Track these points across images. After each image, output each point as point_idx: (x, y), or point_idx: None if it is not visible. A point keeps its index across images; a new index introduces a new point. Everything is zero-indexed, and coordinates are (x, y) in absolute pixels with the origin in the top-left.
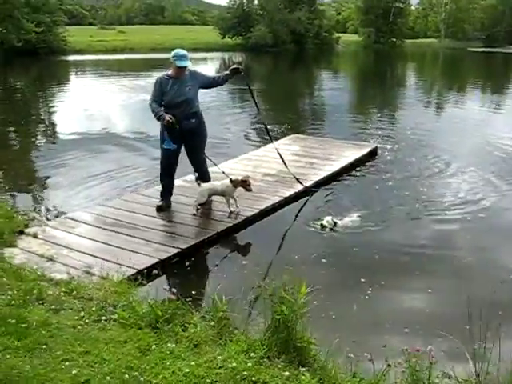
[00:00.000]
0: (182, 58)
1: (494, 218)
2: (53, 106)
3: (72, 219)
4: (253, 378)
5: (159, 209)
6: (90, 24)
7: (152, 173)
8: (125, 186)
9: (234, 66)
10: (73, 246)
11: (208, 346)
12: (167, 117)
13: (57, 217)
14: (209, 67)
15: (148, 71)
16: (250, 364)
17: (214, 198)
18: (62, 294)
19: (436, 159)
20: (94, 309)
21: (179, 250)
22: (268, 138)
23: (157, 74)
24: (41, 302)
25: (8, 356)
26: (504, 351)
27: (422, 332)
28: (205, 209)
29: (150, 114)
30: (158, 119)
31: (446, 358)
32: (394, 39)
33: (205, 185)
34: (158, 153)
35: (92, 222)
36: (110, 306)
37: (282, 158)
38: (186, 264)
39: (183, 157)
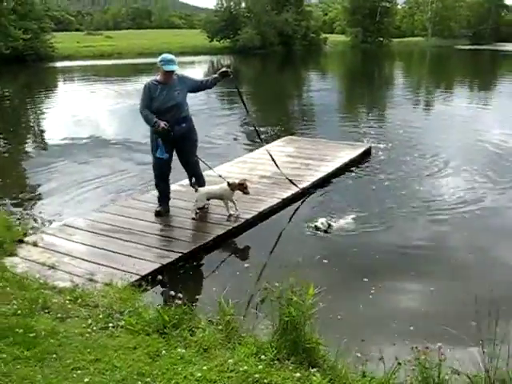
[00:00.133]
0: (169, 62)
1: (490, 215)
2: (42, 113)
3: (70, 226)
4: (265, 381)
5: (158, 214)
6: (77, 30)
7: (144, 177)
8: (118, 191)
9: (223, 69)
10: (73, 254)
11: (217, 349)
12: (162, 124)
13: (54, 224)
14: (197, 71)
15: (136, 76)
16: (260, 367)
17: (212, 201)
18: (67, 302)
19: (429, 157)
20: (100, 316)
21: (181, 254)
22: (260, 140)
23: (145, 79)
24: (46, 310)
25: (18, 366)
26: None
27: (428, 330)
28: (203, 212)
29: (138, 120)
30: (153, 126)
31: (454, 354)
32: (381, 38)
33: (203, 188)
34: (148, 157)
35: (90, 229)
36: (117, 313)
37: (273, 160)
38: (188, 268)
39: (177, 161)
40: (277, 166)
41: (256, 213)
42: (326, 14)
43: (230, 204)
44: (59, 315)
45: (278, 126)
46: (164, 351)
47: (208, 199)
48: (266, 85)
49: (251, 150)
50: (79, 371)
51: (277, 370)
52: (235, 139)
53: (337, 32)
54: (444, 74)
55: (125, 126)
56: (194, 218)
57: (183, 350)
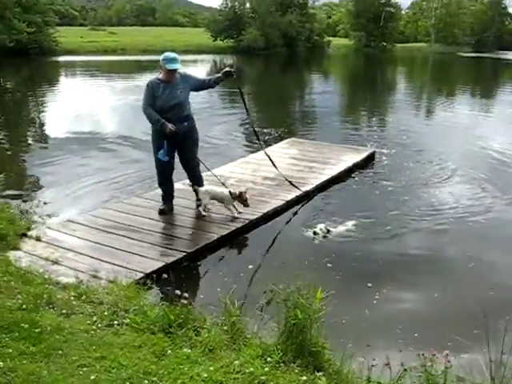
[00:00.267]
0: (172, 60)
1: (495, 224)
2: (44, 107)
3: (74, 222)
4: (271, 383)
5: (162, 212)
6: (81, 25)
7: (146, 175)
8: (120, 187)
9: (227, 69)
10: (77, 249)
11: (223, 350)
12: (170, 126)
13: (57, 219)
14: (200, 69)
15: (139, 73)
16: (266, 369)
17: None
18: (71, 298)
19: (433, 164)
20: (105, 313)
21: (185, 253)
22: (258, 141)
23: (148, 76)
24: (51, 306)
25: (24, 362)
26: None
27: (433, 337)
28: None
29: (140, 116)
30: (160, 127)
31: (459, 362)
32: (385, 43)
33: (205, 187)
34: (149, 154)
35: (94, 225)
36: (122, 311)
37: (272, 162)
38: (193, 268)
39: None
40: (275, 167)
41: (260, 214)
42: (330, 17)
43: (230, 206)
44: (64, 311)
45: (282, 128)
46: (170, 351)
47: (210, 199)
48: (269, 85)
49: (254, 151)
50: (85, 368)
51: (283, 372)
52: (236, 139)
53: (340, 35)
54: (446, 81)
55: (127, 123)
56: (204, 216)
57: (189, 350)
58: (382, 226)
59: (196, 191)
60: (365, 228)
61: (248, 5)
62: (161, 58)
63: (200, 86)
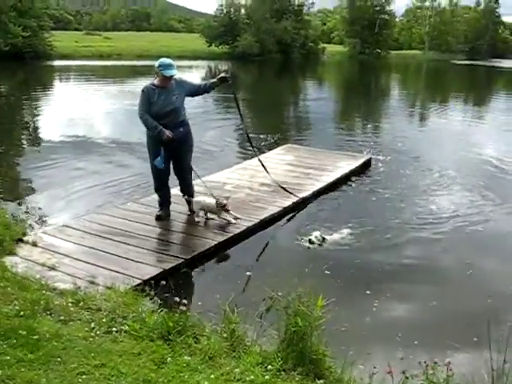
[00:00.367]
0: (168, 67)
1: (493, 232)
2: (38, 111)
3: (70, 227)
4: None
5: (158, 218)
6: (76, 29)
7: (141, 179)
8: (116, 192)
9: (222, 75)
10: (74, 255)
11: (223, 358)
12: (167, 132)
13: (53, 225)
14: (195, 75)
15: (134, 78)
16: (267, 377)
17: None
18: (69, 304)
19: (429, 171)
20: (104, 320)
21: (183, 260)
22: (252, 148)
23: (143, 81)
24: (48, 312)
25: (22, 369)
26: None
27: (432, 344)
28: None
29: (134, 121)
30: (157, 134)
31: (460, 370)
32: (379, 50)
33: (196, 198)
34: (144, 158)
35: (90, 230)
36: (120, 317)
37: (265, 169)
38: (190, 274)
39: None
40: (268, 174)
41: (257, 220)
42: (325, 24)
43: (223, 215)
44: (62, 318)
45: (277, 134)
46: (169, 358)
47: (200, 209)
48: (264, 92)
49: (249, 157)
50: (84, 376)
51: (283, 380)
52: (231, 145)
53: (335, 42)
54: (440, 88)
55: (121, 127)
56: (198, 222)
57: (189, 358)
58: (379, 234)
59: (188, 202)
60: (363, 235)
61: (243, 11)
62: (156, 63)
63: (195, 91)
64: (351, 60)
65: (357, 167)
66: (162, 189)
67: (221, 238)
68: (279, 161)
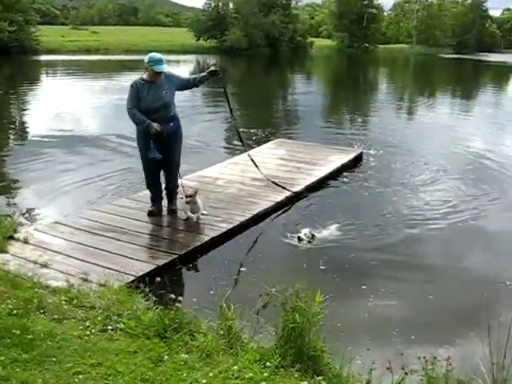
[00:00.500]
0: (158, 62)
1: (484, 223)
2: (25, 107)
3: (61, 224)
4: None
5: (151, 214)
6: (62, 24)
7: (131, 174)
8: (105, 187)
9: (212, 68)
10: (66, 252)
11: (220, 355)
12: (155, 125)
13: (44, 221)
14: (183, 70)
15: (122, 72)
16: (266, 374)
17: (207, 203)
18: (62, 302)
19: (421, 165)
20: (98, 318)
21: (176, 255)
22: (242, 144)
23: (131, 76)
24: (42, 311)
25: (17, 369)
26: None
27: (429, 338)
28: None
29: (123, 116)
30: (146, 128)
31: (459, 364)
32: (367, 44)
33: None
34: (133, 154)
35: (82, 227)
36: (115, 315)
37: (256, 165)
38: (184, 270)
39: None
40: (259, 170)
41: (250, 215)
42: (313, 18)
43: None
44: (56, 316)
45: (267, 128)
46: (166, 356)
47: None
48: (252, 86)
49: (240, 151)
50: (81, 376)
51: (282, 377)
52: (221, 139)
53: (323, 36)
54: (428, 82)
55: (110, 122)
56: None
57: (186, 356)
58: (372, 229)
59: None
60: (356, 231)
61: (231, 5)
62: (146, 58)
63: (185, 85)
64: (339, 54)
65: (348, 161)
66: (153, 185)
67: (214, 234)
68: (270, 155)
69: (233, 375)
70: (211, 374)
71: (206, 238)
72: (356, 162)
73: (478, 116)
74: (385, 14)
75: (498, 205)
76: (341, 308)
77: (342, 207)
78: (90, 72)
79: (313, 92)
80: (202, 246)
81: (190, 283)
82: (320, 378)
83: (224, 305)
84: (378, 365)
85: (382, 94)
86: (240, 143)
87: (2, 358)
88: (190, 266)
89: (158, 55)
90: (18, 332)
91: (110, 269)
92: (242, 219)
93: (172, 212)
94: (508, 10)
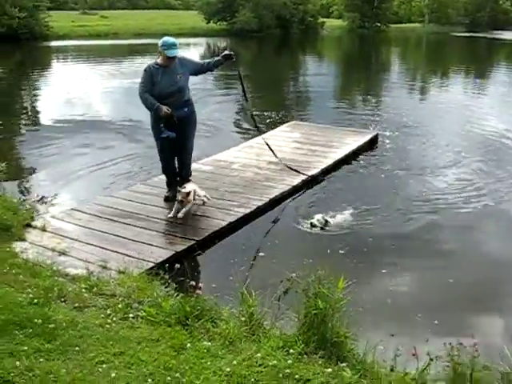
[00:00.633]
0: (171, 46)
1: (505, 207)
2: (36, 93)
3: (78, 210)
4: (296, 376)
5: (167, 199)
6: (72, 9)
7: (143, 160)
8: (120, 174)
9: (226, 52)
10: (84, 239)
11: (243, 342)
12: (165, 108)
13: (61, 208)
14: (193, 53)
15: (132, 57)
16: (290, 361)
17: (224, 187)
18: (82, 290)
19: (437, 147)
20: (119, 306)
21: (194, 241)
22: (257, 129)
23: (140, 60)
24: (63, 299)
25: (41, 360)
26: None
27: (452, 324)
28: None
29: (135, 100)
30: (155, 110)
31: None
32: (379, 24)
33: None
34: (143, 139)
35: (99, 214)
36: (135, 303)
37: (271, 149)
38: (203, 256)
39: None
40: (274, 155)
41: (267, 199)
42: None
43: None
44: (76, 305)
45: (281, 111)
46: (189, 344)
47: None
48: (263, 68)
49: (254, 135)
50: (104, 365)
51: (306, 364)
52: (235, 123)
53: (333, 16)
54: (441, 61)
55: (122, 106)
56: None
57: (208, 343)
58: (392, 213)
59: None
60: (374, 214)
61: None
62: (159, 42)
63: (199, 69)
64: (350, 34)
65: (364, 143)
66: (168, 169)
67: (231, 219)
68: (285, 138)
69: (256, 362)
70: (235, 362)
71: (224, 223)
72: (372, 144)
73: (492, 95)
74: None
75: None
76: (362, 293)
77: (359, 191)
78: (100, 57)
79: (325, 73)
80: (220, 231)
81: (208, 269)
82: (344, 364)
83: (245, 291)
84: (403, 351)
85: (395, 74)
86: (254, 127)
87: (25, 348)
88: (208, 251)
89: (171, 39)
90: (40, 321)
91: (128, 256)
92: (259, 204)
93: None
94: None
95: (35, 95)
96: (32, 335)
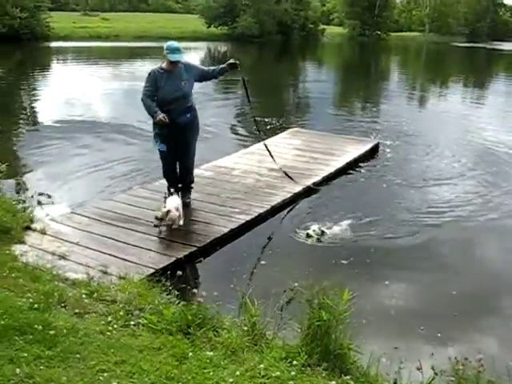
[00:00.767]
0: (175, 51)
1: (506, 218)
2: (36, 93)
3: (78, 214)
4: None
5: None
6: (73, 10)
7: (144, 164)
8: (119, 175)
9: (231, 61)
10: (83, 243)
11: (245, 352)
12: (161, 115)
13: (61, 211)
14: (193, 57)
15: (132, 59)
16: (293, 373)
17: (225, 193)
18: (83, 296)
19: (438, 157)
20: (121, 313)
21: (196, 248)
22: (260, 134)
23: (141, 63)
24: (63, 305)
25: (41, 367)
26: None
27: (456, 336)
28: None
29: (134, 103)
30: (152, 116)
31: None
32: (379, 32)
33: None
34: (145, 142)
35: (99, 217)
36: (136, 310)
37: (272, 156)
38: (204, 263)
39: None
40: (275, 161)
41: (269, 207)
42: (324, 5)
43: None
44: (77, 311)
45: (282, 118)
46: (190, 353)
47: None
48: (264, 74)
49: (255, 141)
50: (105, 373)
51: (309, 376)
52: (235, 129)
53: (334, 24)
54: (441, 71)
55: (121, 109)
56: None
57: (210, 353)
58: (393, 224)
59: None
60: (376, 225)
61: None
62: (164, 46)
63: (204, 76)
64: (351, 42)
65: (365, 152)
66: (169, 174)
67: (233, 225)
68: (286, 145)
69: (259, 373)
70: (238, 373)
71: (225, 230)
72: (373, 152)
73: (491, 105)
74: (397, 1)
75: None
76: (365, 304)
77: (360, 201)
78: (100, 59)
79: (325, 80)
80: (221, 237)
81: (210, 276)
82: (348, 377)
83: (248, 301)
84: (406, 364)
85: (395, 82)
86: (255, 133)
87: (25, 355)
88: (209, 258)
89: (175, 44)
90: (40, 327)
91: (128, 261)
92: (261, 211)
93: (185, 205)
94: None
95: (35, 95)
96: (32, 341)
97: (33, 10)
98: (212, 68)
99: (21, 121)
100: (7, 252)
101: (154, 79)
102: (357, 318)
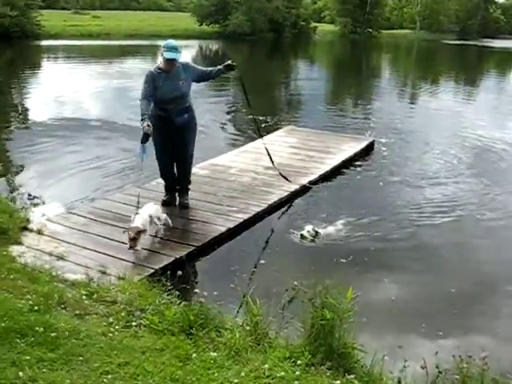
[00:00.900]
0: (171, 49)
1: (502, 216)
2: (26, 92)
3: (74, 214)
4: None
5: (165, 203)
6: (63, 8)
7: (137, 162)
8: (111, 174)
9: (228, 62)
10: (81, 243)
11: (249, 353)
12: (145, 124)
13: (57, 211)
14: (185, 54)
15: (123, 57)
16: (297, 373)
17: (222, 191)
18: (83, 297)
19: (433, 154)
20: (122, 314)
21: (194, 247)
22: (259, 135)
23: (132, 61)
24: (63, 306)
25: (44, 370)
26: None
27: (456, 335)
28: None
29: (126, 101)
30: (141, 120)
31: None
32: (370, 30)
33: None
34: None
35: (96, 217)
36: (137, 310)
37: (270, 157)
38: (203, 262)
39: None
40: (273, 164)
41: (266, 205)
42: (315, 3)
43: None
44: (77, 312)
45: (276, 116)
46: (194, 354)
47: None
48: (256, 72)
49: (250, 139)
50: (109, 376)
51: (314, 376)
52: (229, 127)
53: (325, 21)
54: (432, 68)
55: (112, 107)
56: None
57: (214, 354)
58: (390, 222)
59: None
60: (373, 223)
61: None
62: (162, 45)
63: (202, 76)
64: (342, 39)
65: (360, 150)
66: (165, 174)
67: (231, 224)
68: (282, 143)
69: (264, 374)
70: (242, 374)
71: (223, 229)
72: (368, 150)
73: (482, 102)
74: None
75: None
76: (366, 303)
77: (357, 199)
78: (91, 57)
79: (317, 78)
80: (219, 237)
81: (209, 276)
82: (352, 376)
83: (249, 300)
84: (410, 362)
85: (386, 80)
86: (249, 131)
87: (28, 358)
88: (208, 257)
89: (172, 42)
90: (42, 329)
91: (127, 261)
92: (258, 209)
93: (183, 206)
94: None
95: (25, 94)
96: (34, 344)
97: (23, 9)
98: (209, 69)
99: (11, 120)
100: (5, 253)
101: (151, 79)
102: (359, 317)
